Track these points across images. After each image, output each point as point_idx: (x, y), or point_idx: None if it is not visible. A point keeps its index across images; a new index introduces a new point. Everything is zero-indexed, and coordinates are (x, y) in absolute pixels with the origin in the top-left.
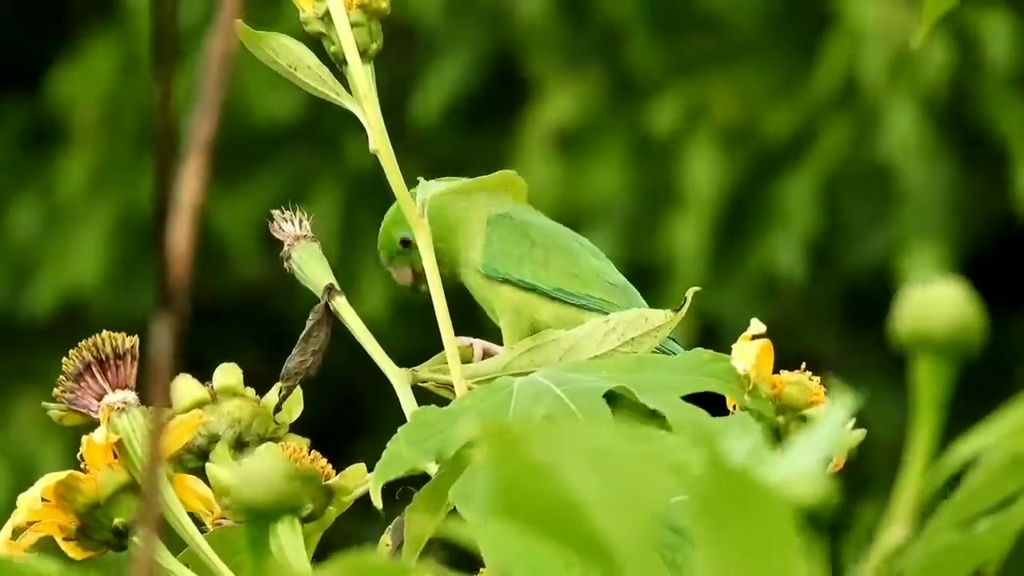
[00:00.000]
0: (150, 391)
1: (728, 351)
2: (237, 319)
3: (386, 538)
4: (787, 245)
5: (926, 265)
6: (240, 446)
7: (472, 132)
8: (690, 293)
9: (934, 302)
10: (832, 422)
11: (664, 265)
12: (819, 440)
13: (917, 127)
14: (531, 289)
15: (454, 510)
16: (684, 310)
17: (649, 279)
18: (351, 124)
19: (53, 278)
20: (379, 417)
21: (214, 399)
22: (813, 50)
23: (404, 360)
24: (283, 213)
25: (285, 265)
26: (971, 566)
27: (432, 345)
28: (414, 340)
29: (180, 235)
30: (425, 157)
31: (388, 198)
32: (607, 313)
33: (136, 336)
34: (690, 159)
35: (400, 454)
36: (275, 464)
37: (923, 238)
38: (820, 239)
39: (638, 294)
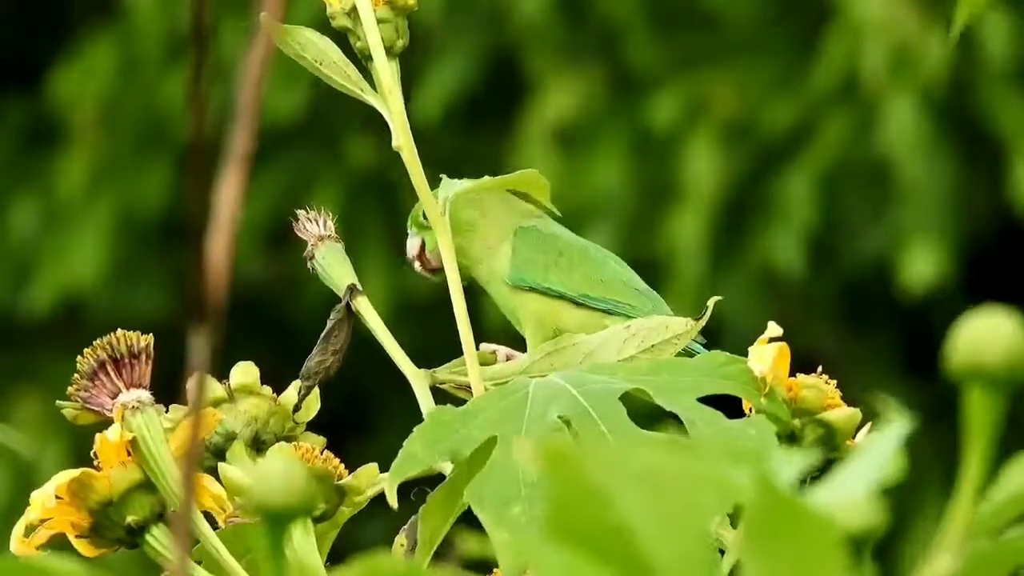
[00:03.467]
0: (185, 401)
1: (727, 346)
2: (237, 318)
3: (401, 538)
4: (786, 240)
5: (926, 261)
6: (257, 445)
7: (472, 130)
8: (711, 303)
9: (988, 334)
10: (884, 447)
11: (664, 260)
12: (868, 467)
13: (916, 122)
14: (558, 296)
15: (468, 511)
16: (705, 318)
17: (649, 274)
18: (353, 122)
19: (52, 277)
20: (387, 416)
21: (231, 397)
22: (813, 45)
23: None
24: (307, 213)
25: (308, 265)
26: (1005, 571)
27: (435, 343)
28: (416, 338)
29: (219, 246)
30: (425, 155)
31: (388, 197)
32: (631, 317)
33: (150, 335)
34: (690, 155)
35: (415, 454)
36: (293, 465)
37: (922, 233)
38: (819, 234)
39: (662, 300)
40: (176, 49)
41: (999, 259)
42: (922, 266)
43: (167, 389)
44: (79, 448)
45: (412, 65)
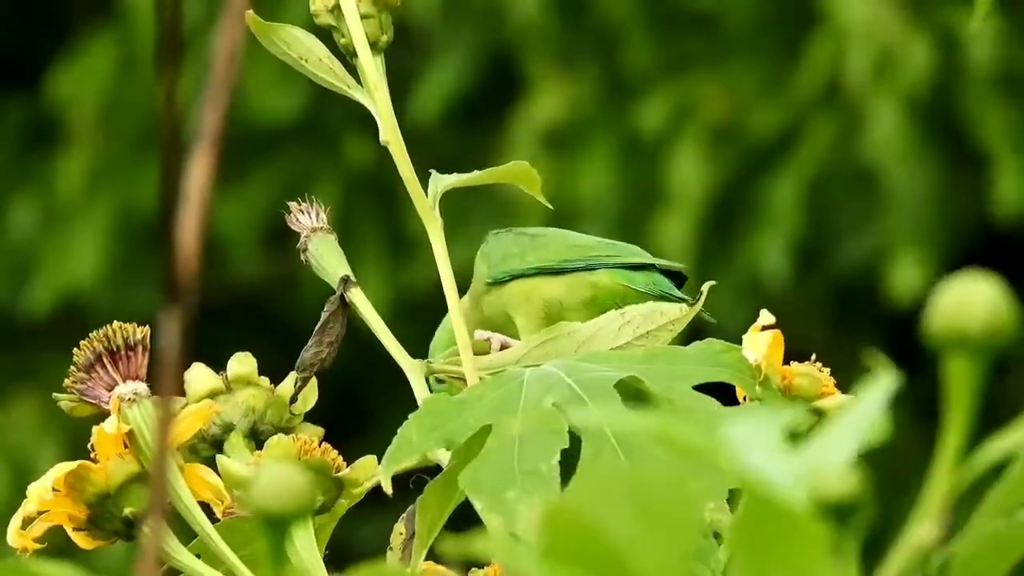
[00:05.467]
0: (158, 384)
1: None
2: (236, 317)
3: (399, 527)
4: (774, 245)
5: (911, 266)
6: (254, 436)
7: (468, 131)
8: (705, 288)
9: (968, 299)
10: (869, 407)
11: None
12: (851, 429)
13: (900, 128)
14: (538, 273)
15: (464, 505)
16: (700, 304)
17: None
18: (350, 122)
19: (52, 277)
20: (384, 411)
21: (228, 388)
22: (798, 50)
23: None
24: (299, 205)
25: (302, 257)
26: (1016, 553)
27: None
28: (415, 336)
29: (188, 229)
30: (420, 155)
31: (387, 197)
32: (612, 267)
33: (147, 327)
34: (678, 158)
35: (410, 440)
36: (292, 472)
37: (908, 239)
38: (806, 239)
39: (638, 248)
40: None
41: (983, 266)
42: (908, 273)
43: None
44: (76, 448)
45: (410, 65)
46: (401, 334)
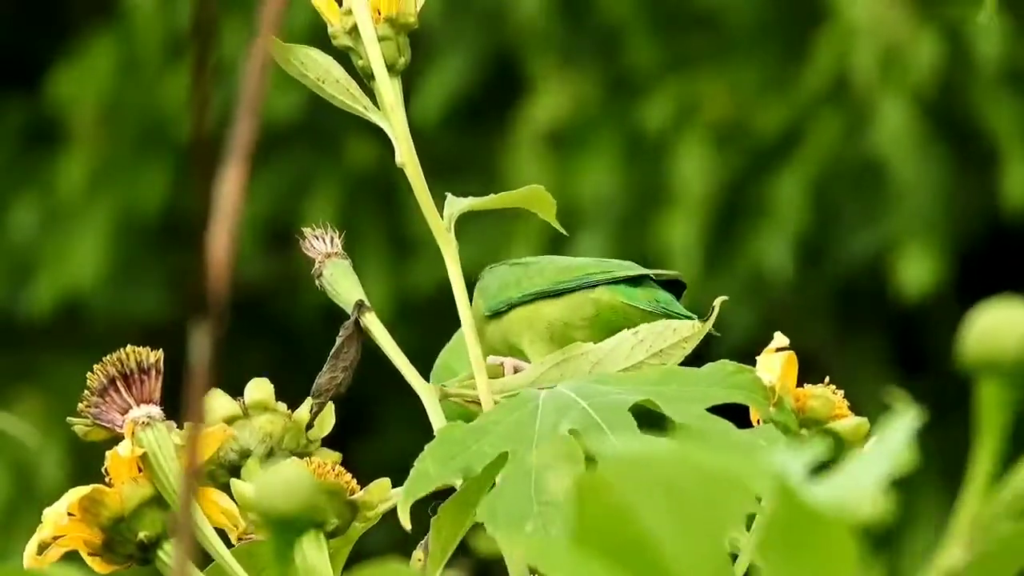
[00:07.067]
0: (187, 400)
1: (719, 350)
2: (239, 318)
3: (418, 553)
4: (779, 242)
5: (919, 262)
6: (271, 461)
7: (470, 132)
8: (717, 303)
9: (1002, 325)
10: (894, 440)
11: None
12: (878, 458)
13: (908, 124)
14: (536, 298)
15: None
16: (711, 320)
17: None
18: (352, 123)
19: (52, 278)
20: (387, 418)
21: (245, 414)
22: (804, 47)
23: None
24: (314, 230)
25: (316, 283)
26: (1016, 566)
27: (436, 344)
28: (416, 339)
29: (220, 242)
30: (422, 156)
31: (389, 198)
32: (610, 284)
33: (160, 351)
34: (682, 157)
35: (427, 472)
36: (299, 473)
37: (914, 235)
38: (812, 236)
39: (633, 263)
40: (176, 49)
41: (991, 261)
42: (914, 269)
43: (167, 389)
44: (78, 448)
45: (412, 66)
46: (402, 335)
